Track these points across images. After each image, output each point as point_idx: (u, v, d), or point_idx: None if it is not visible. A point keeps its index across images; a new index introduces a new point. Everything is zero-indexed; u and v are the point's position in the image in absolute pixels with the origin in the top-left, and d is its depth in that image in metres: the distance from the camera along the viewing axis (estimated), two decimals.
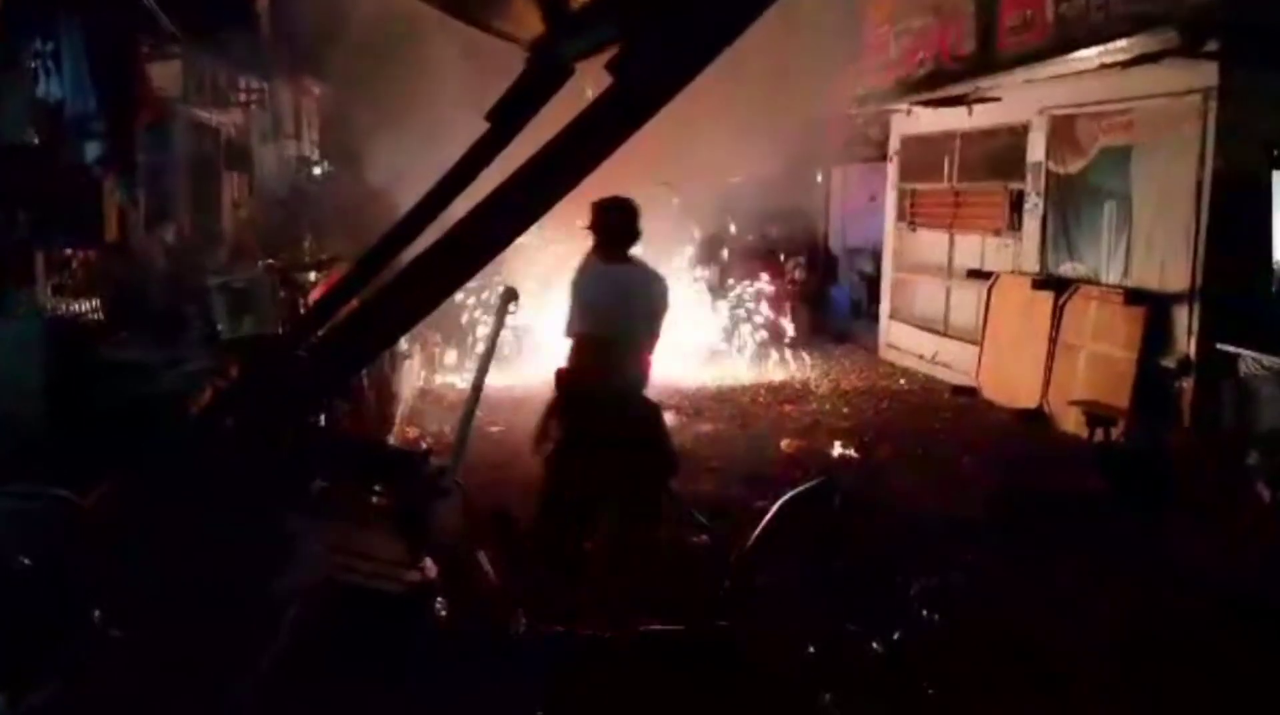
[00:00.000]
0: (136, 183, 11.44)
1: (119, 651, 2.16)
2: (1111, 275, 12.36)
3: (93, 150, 10.46)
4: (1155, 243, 11.56)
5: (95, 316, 8.99)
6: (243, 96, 16.70)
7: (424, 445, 9.80)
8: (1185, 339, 11.01)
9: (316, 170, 18.90)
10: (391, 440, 9.70)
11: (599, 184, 2.48)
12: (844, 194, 22.91)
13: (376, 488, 3.50)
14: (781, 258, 20.28)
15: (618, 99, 1.95)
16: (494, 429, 11.31)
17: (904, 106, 17.13)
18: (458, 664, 3.07)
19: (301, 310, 9.93)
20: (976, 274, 15.28)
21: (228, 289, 9.71)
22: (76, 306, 8.98)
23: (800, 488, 6.73)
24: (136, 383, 6.59)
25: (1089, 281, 12.71)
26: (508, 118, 2.71)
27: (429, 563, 3.26)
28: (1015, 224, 14.47)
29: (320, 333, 3.58)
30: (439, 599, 3.18)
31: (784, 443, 11.59)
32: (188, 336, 8.88)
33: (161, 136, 13.08)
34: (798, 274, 20.33)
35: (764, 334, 18.22)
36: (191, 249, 13.19)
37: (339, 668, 2.61)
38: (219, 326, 9.31)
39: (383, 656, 2.75)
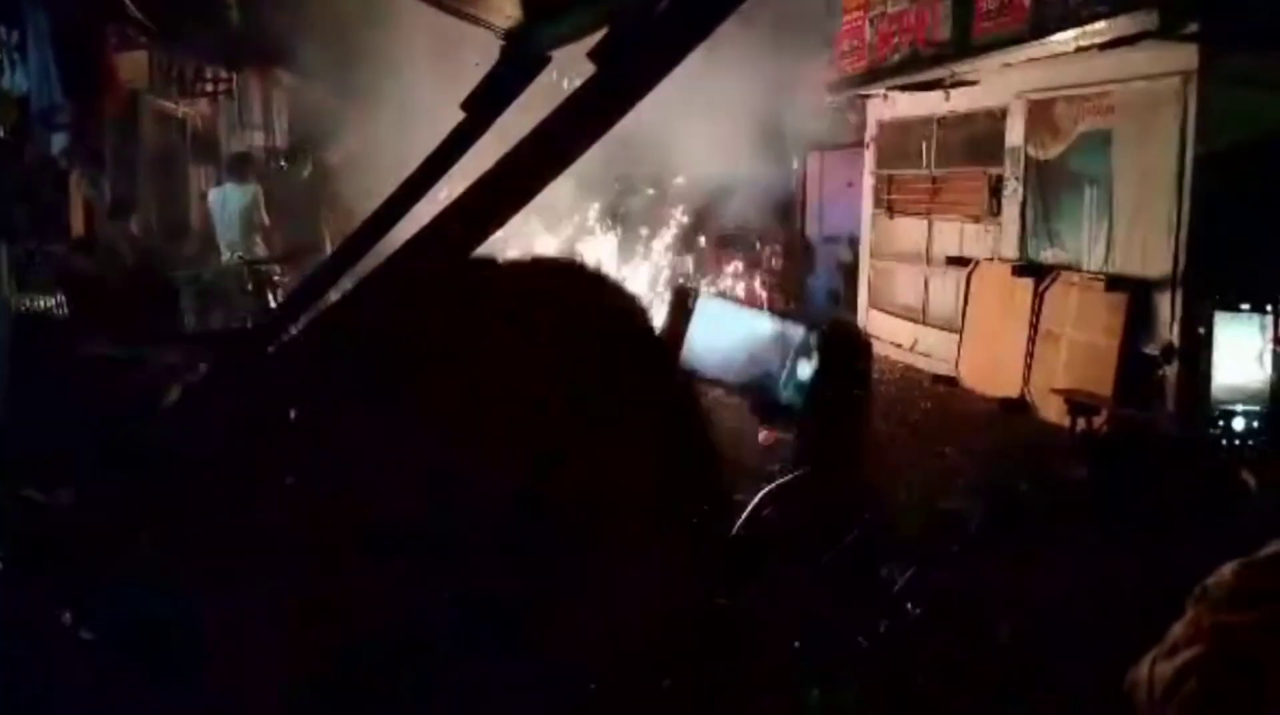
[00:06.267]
0: (102, 175, 11.29)
1: (91, 655, 2.01)
2: (1092, 261, 12.29)
3: (59, 142, 10.30)
4: (1136, 228, 11.49)
5: (60, 312, 8.84)
6: (210, 87, 16.50)
7: None
8: (1168, 325, 10.94)
9: (284, 162, 18.71)
10: None
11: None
12: (821, 181, 22.79)
13: None
14: (757, 246, 20.18)
15: (602, 87, 1.81)
16: None
17: (880, 91, 17.03)
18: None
19: (271, 303, 9.80)
20: (955, 261, 15.19)
21: (196, 282, 9.59)
22: (42, 302, 8.83)
23: (779, 481, 6.62)
24: (103, 379, 6.47)
25: (1070, 268, 12.65)
26: (483, 107, 2.56)
27: None
28: (994, 210, 14.39)
29: (293, 328, 3.42)
30: None
31: (761, 435, 11.48)
32: (155, 331, 8.75)
33: (127, 128, 12.92)
34: (774, 263, 20.22)
35: None
36: (158, 242, 13.04)
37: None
38: (186, 320, 9.20)
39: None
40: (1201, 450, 9.25)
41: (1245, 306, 9.25)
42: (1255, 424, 9.02)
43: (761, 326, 1.53)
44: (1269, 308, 9.22)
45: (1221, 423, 9.07)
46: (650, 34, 1.75)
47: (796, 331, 1.46)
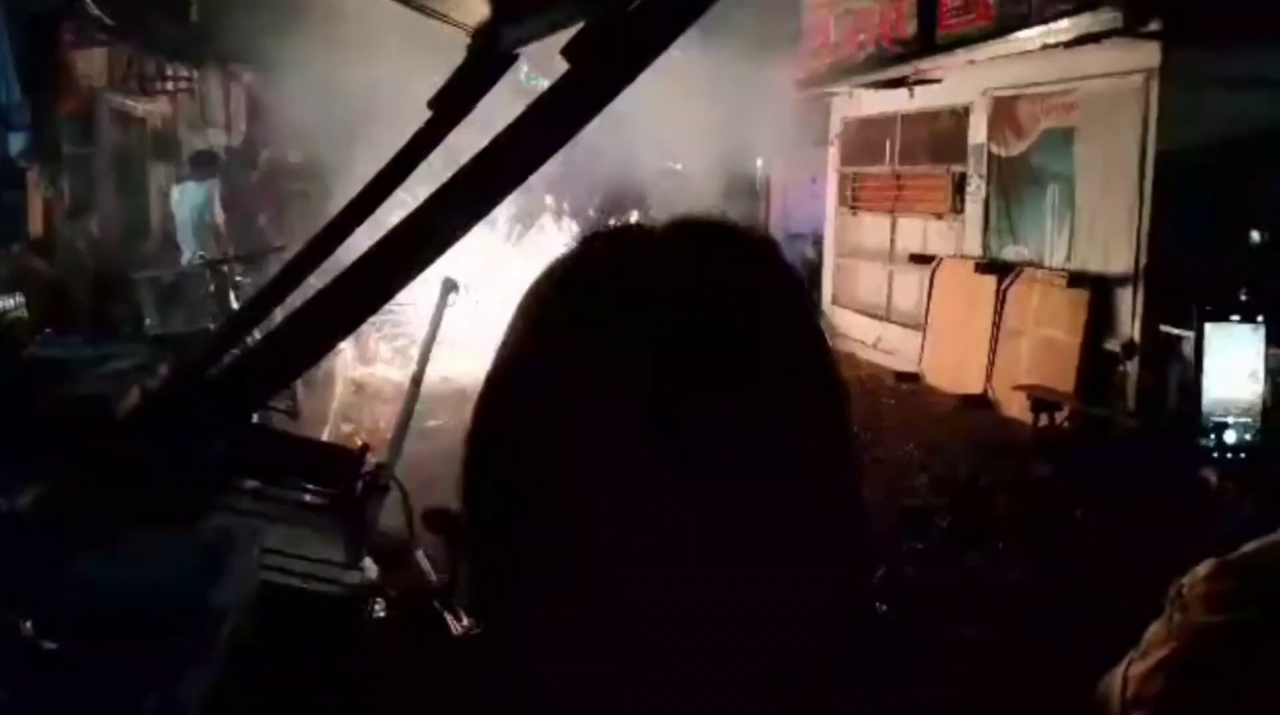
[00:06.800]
0: (61, 175, 11.17)
1: (52, 665, 2.00)
2: (1055, 258, 12.35)
3: (16, 142, 10.18)
4: (1098, 225, 11.56)
5: (19, 313, 8.74)
6: (170, 85, 16.35)
7: (360, 441, 9.61)
8: (1129, 322, 11.00)
9: (242, 159, 18.59)
10: (326, 436, 9.49)
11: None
12: (785, 178, 22.81)
13: (311, 486, 3.34)
14: None
15: (574, 86, 1.80)
16: (433, 423, 11.11)
17: (845, 89, 17.05)
18: (400, 667, 2.97)
19: (233, 304, 9.72)
20: (919, 258, 15.24)
21: (156, 283, 9.50)
22: (0, 303, 8.73)
23: None
24: (63, 382, 6.38)
25: (1032, 265, 12.71)
26: (451, 105, 2.56)
27: (369, 563, 3.12)
28: (957, 207, 14.45)
29: (256, 332, 3.40)
30: (379, 600, 3.09)
31: None
32: (116, 332, 8.67)
33: (86, 127, 12.79)
34: None
35: None
36: (118, 242, 12.94)
37: (277, 673, 2.48)
38: (147, 321, 9.10)
39: (322, 660, 2.63)
40: (1167, 448, 9.24)
41: (1236, 317, 9.12)
42: (1248, 437, 8.91)
43: None
44: (1260, 318, 9.08)
45: (1213, 435, 8.99)
46: (624, 31, 1.74)
47: None
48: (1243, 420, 8.84)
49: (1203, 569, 1.55)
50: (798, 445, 0.86)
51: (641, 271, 0.90)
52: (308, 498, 3.26)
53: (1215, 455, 8.72)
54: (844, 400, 0.93)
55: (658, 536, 0.82)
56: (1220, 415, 8.89)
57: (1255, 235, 9.86)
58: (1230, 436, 8.84)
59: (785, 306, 0.93)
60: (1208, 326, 9.05)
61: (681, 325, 0.85)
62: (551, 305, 0.91)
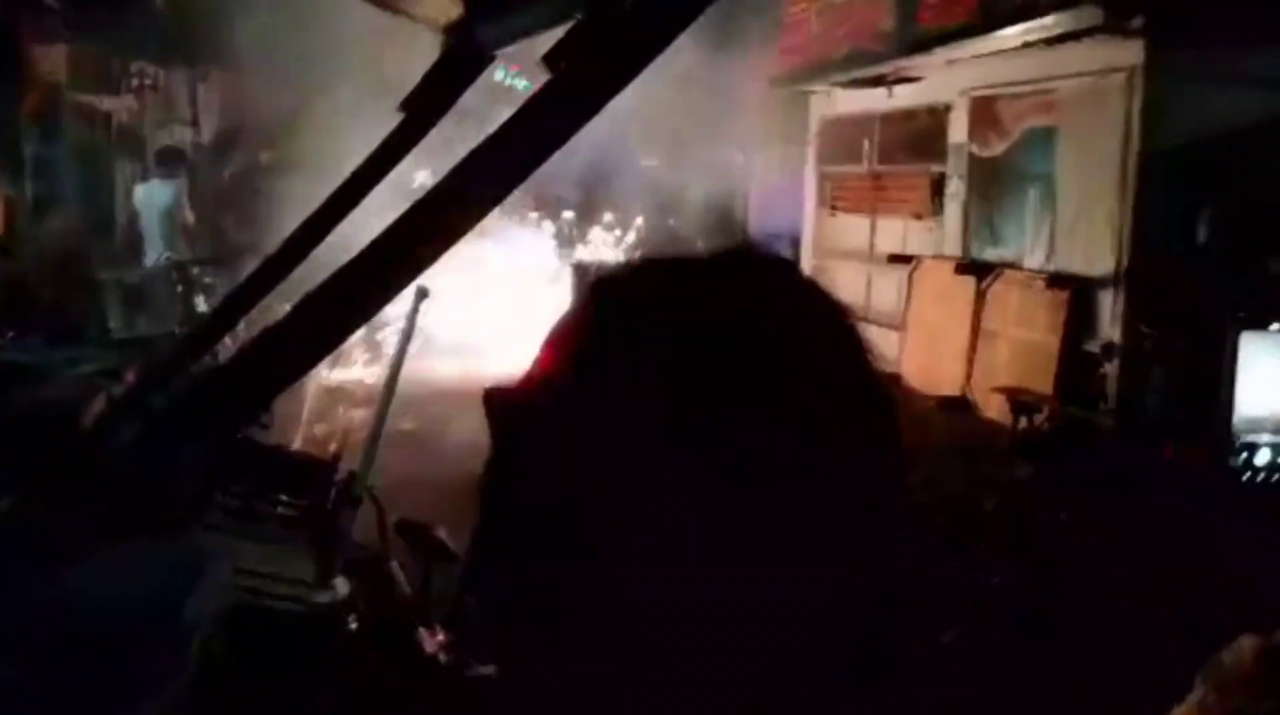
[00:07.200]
0: (23, 173, 11.01)
1: (14, 694, 1.92)
2: (1035, 259, 12.32)
3: None
4: (1080, 225, 11.52)
5: None
6: (135, 81, 16.16)
7: (332, 447, 9.49)
8: (1110, 323, 10.96)
9: (210, 158, 18.43)
10: (297, 442, 9.37)
11: None
12: (763, 178, 22.75)
13: (282, 498, 3.26)
14: (699, 244, 20.13)
15: (557, 95, 1.65)
16: (407, 427, 11.00)
17: (823, 88, 16.99)
18: (373, 687, 2.90)
19: (201, 307, 9.60)
20: (898, 259, 15.18)
21: (122, 285, 9.38)
22: None
23: None
24: (26, 388, 6.26)
25: (1012, 265, 12.69)
26: (423, 108, 2.43)
27: (340, 580, 3.03)
28: (937, 208, 14.39)
29: (226, 338, 3.27)
30: (352, 618, 3.01)
31: None
32: (80, 335, 8.54)
33: (48, 124, 12.62)
34: None
35: None
36: (82, 243, 12.77)
37: (247, 693, 2.40)
38: (112, 324, 8.97)
39: (293, 683, 2.54)
40: (1151, 451, 9.10)
41: (1276, 326, 8.62)
42: None
43: None
44: None
45: (1243, 455, 8.49)
46: (614, 35, 1.60)
47: None
48: (1278, 440, 8.48)
49: (1247, 650, 1.43)
50: (800, 449, 0.87)
51: (661, 286, 0.94)
52: (279, 511, 3.20)
53: (1246, 477, 8.38)
54: (878, 409, 0.96)
55: (658, 537, 0.84)
56: (1251, 433, 8.49)
57: (1201, 232, 9.77)
58: (1263, 457, 8.40)
59: (803, 318, 0.96)
60: (1244, 336, 8.55)
61: (697, 334, 0.87)
62: (575, 319, 0.95)
